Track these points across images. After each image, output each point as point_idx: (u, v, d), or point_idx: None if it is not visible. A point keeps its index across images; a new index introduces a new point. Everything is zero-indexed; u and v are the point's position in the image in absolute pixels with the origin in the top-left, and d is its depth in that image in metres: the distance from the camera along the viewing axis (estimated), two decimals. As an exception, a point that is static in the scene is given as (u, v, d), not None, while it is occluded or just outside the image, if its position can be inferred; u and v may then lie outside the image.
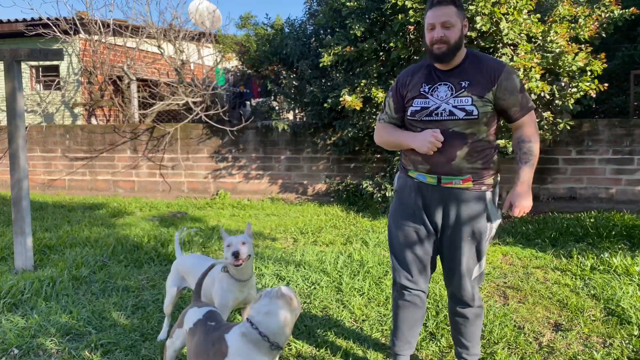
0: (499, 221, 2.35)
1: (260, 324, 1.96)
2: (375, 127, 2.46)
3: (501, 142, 6.05)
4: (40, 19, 9.85)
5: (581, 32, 6.12)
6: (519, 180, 2.29)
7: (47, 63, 10.50)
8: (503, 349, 2.88)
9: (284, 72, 7.78)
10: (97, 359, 2.78)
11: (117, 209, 7.23)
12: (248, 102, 11.10)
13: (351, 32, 6.41)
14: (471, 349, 2.51)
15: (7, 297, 3.55)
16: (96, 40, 10.12)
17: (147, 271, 4.26)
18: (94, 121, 10.40)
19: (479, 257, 2.35)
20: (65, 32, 9.82)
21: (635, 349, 2.86)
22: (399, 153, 2.50)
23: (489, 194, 2.31)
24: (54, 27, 9.69)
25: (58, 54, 4.33)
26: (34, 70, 10.89)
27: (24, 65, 10.49)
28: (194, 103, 8.52)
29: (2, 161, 9.26)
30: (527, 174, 2.28)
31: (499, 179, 2.34)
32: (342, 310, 3.43)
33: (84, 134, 8.94)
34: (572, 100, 5.92)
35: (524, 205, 2.27)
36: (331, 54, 6.54)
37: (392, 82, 2.41)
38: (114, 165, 8.85)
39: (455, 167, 2.24)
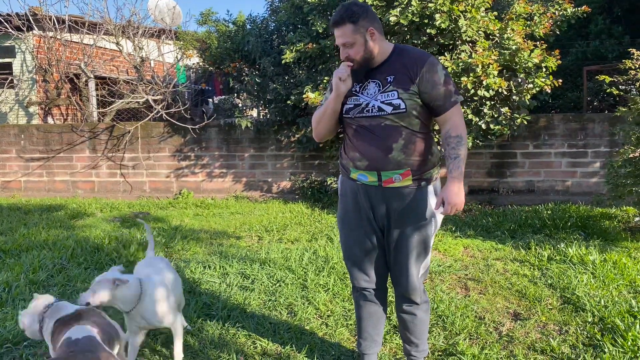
0: (442, 215, 2.35)
1: None
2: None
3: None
4: (-9, 14, 9.46)
5: (536, 30, 6.30)
6: (450, 177, 2.22)
7: (-1, 60, 10.09)
8: (465, 339, 2.95)
9: (246, 69, 7.73)
10: (56, 365, 2.70)
11: (77, 210, 7.03)
12: (210, 100, 10.98)
13: (313, 28, 6.41)
14: (420, 346, 2.55)
15: (-41, 304, 3.41)
16: (51, 37, 9.79)
17: (108, 273, 4.16)
18: (50, 120, 10.07)
19: (425, 254, 2.36)
20: (18, 29, 9.46)
21: (589, 335, 2.97)
22: (340, 153, 2.48)
23: (430, 188, 2.32)
24: (5, 24, 9.33)
25: (9, 52, 4.18)
26: (-15, 68, 10.45)
27: (-26, 63, 10.06)
28: (155, 101, 8.36)
29: (-48, 163, 8.86)
30: (457, 170, 2.22)
31: (439, 171, 2.37)
32: (308, 307, 3.44)
33: (40, 133, 8.65)
34: (529, 96, 6.09)
35: (456, 201, 2.18)
36: (293, 50, 6.53)
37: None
38: (72, 166, 8.60)
39: (393, 160, 2.24)
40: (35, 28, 9.67)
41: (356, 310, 2.60)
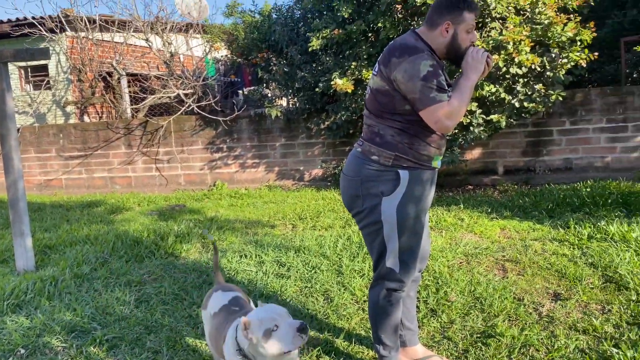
0: None
1: (238, 332, 1.98)
2: (445, 110, 2.11)
3: (494, 116, 6.05)
4: (25, 18, 9.75)
5: (569, 2, 6.07)
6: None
7: (36, 63, 10.41)
8: (504, 321, 2.92)
9: (273, 59, 7.73)
10: (103, 354, 2.81)
11: (115, 205, 7.23)
12: (240, 91, 11.06)
13: (338, 14, 6.37)
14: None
15: (10, 298, 3.57)
16: (83, 37, 10.04)
17: (148, 265, 4.28)
18: (86, 119, 10.36)
19: None
20: (52, 31, 9.73)
21: (633, 314, 2.89)
22: (406, 146, 2.22)
23: None
24: (39, 26, 9.60)
25: (44, 53, 4.30)
26: (22, 71, 10.81)
27: (12, 67, 10.41)
28: (186, 95, 8.48)
29: (-3, 164, 9.22)
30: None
31: None
32: (344, 293, 3.46)
33: (77, 132, 8.91)
34: (563, 71, 5.91)
35: None
36: (320, 37, 6.50)
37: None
38: (109, 162, 8.83)
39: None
40: (68, 29, 9.92)
41: (393, 314, 2.38)
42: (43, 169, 9.11)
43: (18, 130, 4.42)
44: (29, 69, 10.82)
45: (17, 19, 9.94)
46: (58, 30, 9.81)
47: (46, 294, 3.67)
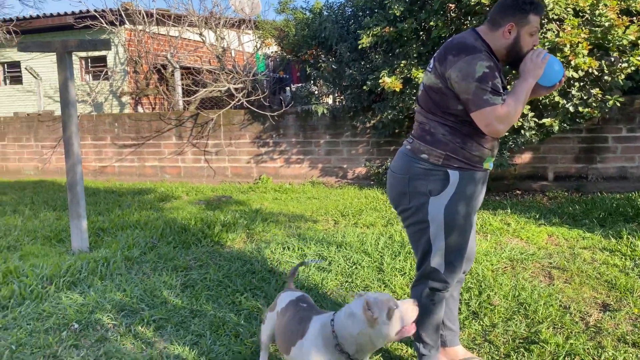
0: None
1: (337, 323, 1.97)
2: (498, 113, 2.06)
3: (547, 120, 5.89)
4: (88, 11, 10.19)
5: (633, 4, 5.83)
6: None
7: (95, 54, 10.87)
8: (548, 328, 2.86)
9: (322, 56, 7.78)
10: (150, 334, 2.93)
11: (165, 193, 7.47)
12: (288, 88, 11.18)
13: (390, 12, 6.34)
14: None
15: (66, 275, 3.76)
16: (140, 30, 10.39)
17: (194, 252, 4.41)
18: (140, 109, 10.73)
19: None
20: (112, 23, 10.13)
21: (687, 330, 2.78)
22: (457, 146, 2.19)
23: None
24: (100, 19, 10.01)
25: (106, 44, 4.50)
26: (83, 62, 11.29)
27: (74, 57, 10.89)
28: (236, 89, 8.65)
29: (57, 149, 9.70)
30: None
31: None
32: (384, 289, 3.47)
33: (131, 121, 9.24)
34: (623, 76, 5.69)
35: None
36: (370, 35, 6.50)
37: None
38: (160, 152, 9.12)
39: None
40: (127, 22, 10.29)
41: (435, 313, 2.36)
42: (98, 155, 9.50)
43: (77, 117, 4.65)
44: (89, 60, 11.31)
45: (81, 12, 10.39)
46: (117, 23, 10.19)
47: (99, 274, 3.85)
